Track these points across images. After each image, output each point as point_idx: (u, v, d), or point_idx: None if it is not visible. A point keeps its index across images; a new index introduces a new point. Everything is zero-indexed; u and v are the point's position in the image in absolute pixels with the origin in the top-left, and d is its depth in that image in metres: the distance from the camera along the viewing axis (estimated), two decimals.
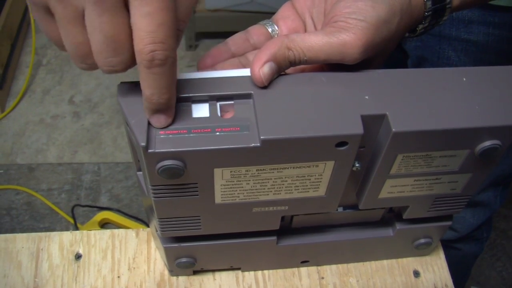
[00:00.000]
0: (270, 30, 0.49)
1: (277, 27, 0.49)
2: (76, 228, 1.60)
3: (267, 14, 0.51)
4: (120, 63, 0.34)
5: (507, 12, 0.66)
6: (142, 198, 0.53)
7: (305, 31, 0.49)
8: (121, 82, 0.41)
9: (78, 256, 0.60)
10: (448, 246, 1.07)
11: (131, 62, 0.35)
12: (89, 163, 1.79)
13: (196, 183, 0.42)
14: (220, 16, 1.96)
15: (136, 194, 1.72)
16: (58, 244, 0.61)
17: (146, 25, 0.32)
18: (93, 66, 0.36)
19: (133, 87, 0.41)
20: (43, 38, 2.12)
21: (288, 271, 0.60)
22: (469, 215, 0.99)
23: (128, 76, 0.38)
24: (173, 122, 0.40)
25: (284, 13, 0.49)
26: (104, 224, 1.60)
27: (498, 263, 1.66)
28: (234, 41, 0.48)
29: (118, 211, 1.67)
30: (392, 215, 0.56)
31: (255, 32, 0.49)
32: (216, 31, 2.02)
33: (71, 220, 1.61)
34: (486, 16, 0.67)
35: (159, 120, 0.38)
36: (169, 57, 0.33)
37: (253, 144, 0.39)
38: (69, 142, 1.84)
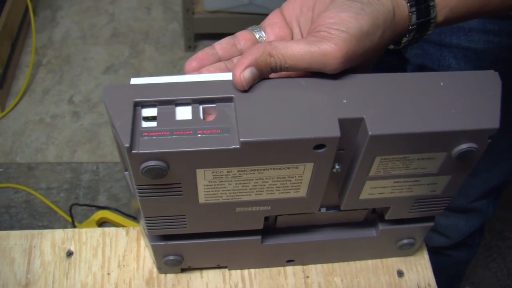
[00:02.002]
0: (257, 36, 0.50)
1: (265, 34, 0.50)
2: (74, 227, 1.61)
3: (265, 16, 0.52)
4: None
5: (507, 20, 0.66)
6: (131, 198, 0.54)
7: (292, 38, 0.50)
8: (108, 86, 0.43)
9: (69, 253, 0.61)
10: (439, 253, 1.08)
11: None
12: (88, 162, 1.81)
13: (180, 183, 0.44)
14: (219, 17, 1.97)
15: None
16: (50, 241, 0.62)
17: None
18: None
19: (119, 90, 0.42)
20: (43, 38, 2.14)
21: (274, 270, 0.61)
22: (462, 222, 1.00)
23: (125, 79, 0.39)
24: (157, 124, 0.41)
25: (272, 20, 0.50)
26: (102, 223, 1.61)
27: (493, 263, 1.67)
28: (221, 46, 0.49)
29: (116, 210, 1.68)
30: (375, 216, 0.57)
31: (242, 37, 0.50)
32: (215, 32, 2.03)
33: (69, 219, 1.62)
34: (486, 24, 0.68)
35: None
36: None
37: (233, 146, 0.40)
38: (68, 141, 1.85)
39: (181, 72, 0.46)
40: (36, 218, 1.66)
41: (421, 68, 0.76)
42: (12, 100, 1.94)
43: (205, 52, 0.49)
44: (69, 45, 2.13)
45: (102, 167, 1.80)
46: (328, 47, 0.41)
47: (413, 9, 0.44)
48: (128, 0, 2.30)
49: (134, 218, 1.64)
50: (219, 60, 0.49)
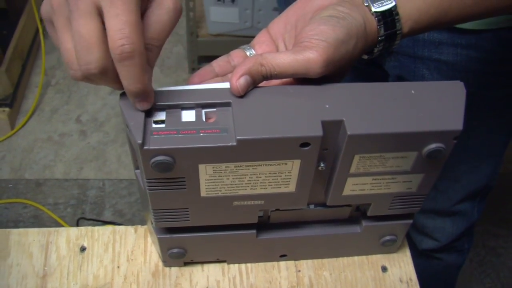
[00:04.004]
0: (248, 53, 0.57)
1: (254, 51, 0.57)
2: None
3: None
4: (94, 61, 0.41)
5: (472, 34, 0.73)
6: (140, 196, 0.60)
7: None
8: (122, 92, 0.49)
9: (82, 249, 0.68)
10: (429, 256, 1.13)
11: (104, 62, 0.42)
12: (94, 179, 1.87)
13: (184, 177, 0.50)
14: (221, 40, 2.05)
15: (138, 209, 1.79)
16: (65, 238, 0.68)
17: (115, 24, 0.40)
18: (77, 73, 0.43)
19: None
20: (53, 59, 2.22)
21: (269, 264, 0.67)
22: (448, 224, 1.05)
23: None
24: (165, 125, 0.48)
25: (260, 39, 0.58)
26: None
27: (487, 279, 1.72)
28: (218, 63, 0.57)
29: (121, 225, 1.74)
30: (359, 214, 0.63)
31: (235, 55, 0.57)
32: (218, 55, 2.10)
33: None
34: (454, 38, 0.74)
35: (140, 104, 0.46)
36: (136, 49, 0.41)
37: (230, 143, 0.47)
38: (75, 159, 1.92)
39: None
40: None
41: (399, 78, 0.83)
42: (22, 118, 2.01)
43: (205, 70, 0.56)
44: None
45: (108, 184, 1.86)
46: (311, 54, 0.48)
47: (381, 22, 0.51)
48: None
49: None
50: (217, 76, 0.56)
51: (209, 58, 2.17)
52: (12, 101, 1.97)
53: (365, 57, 0.54)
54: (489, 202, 1.85)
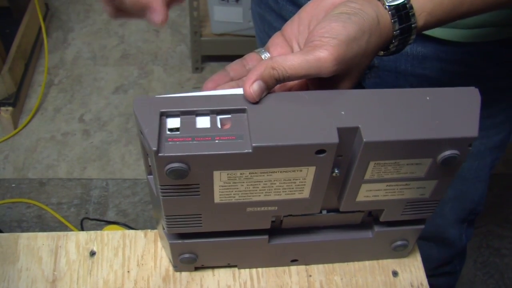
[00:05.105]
0: (263, 56, 0.57)
1: (269, 54, 0.57)
2: None
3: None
4: None
5: (458, 47, 0.71)
6: (151, 201, 0.60)
7: None
8: (137, 98, 0.49)
9: (92, 253, 0.67)
10: None
11: None
12: (97, 179, 1.87)
13: (198, 184, 0.50)
14: (225, 40, 2.05)
15: (142, 209, 1.79)
16: (74, 242, 0.68)
17: None
18: None
19: (147, 102, 0.48)
20: (56, 58, 2.21)
21: (280, 269, 0.67)
22: (434, 251, 1.03)
23: (137, 93, 0.45)
24: (180, 132, 0.47)
25: (274, 41, 0.57)
26: None
27: (491, 280, 1.71)
28: (233, 67, 0.56)
29: (125, 225, 1.74)
30: (371, 219, 0.63)
31: (250, 59, 0.57)
32: (221, 54, 2.11)
33: None
34: (439, 52, 0.72)
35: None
36: None
37: (246, 150, 0.46)
38: (78, 158, 1.92)
39: (190, 92, 0.52)
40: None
41: None
42: (25, 118, 2.01)
43: (219, 74, 0.55)
44: (80, 66, 2.20)
45: (111, 184, 1.86)
46: (321, 53, 0.47)
47: (395, 17, 0.50)
48: (137, 22, 2.38)
49: None
50: (231, 80, 0.56)
51: (213, 58, 2.19)
52: (15, 100, 1.96)
53: (381, 53, 0.54)
54: (494, 203, 1.85)
